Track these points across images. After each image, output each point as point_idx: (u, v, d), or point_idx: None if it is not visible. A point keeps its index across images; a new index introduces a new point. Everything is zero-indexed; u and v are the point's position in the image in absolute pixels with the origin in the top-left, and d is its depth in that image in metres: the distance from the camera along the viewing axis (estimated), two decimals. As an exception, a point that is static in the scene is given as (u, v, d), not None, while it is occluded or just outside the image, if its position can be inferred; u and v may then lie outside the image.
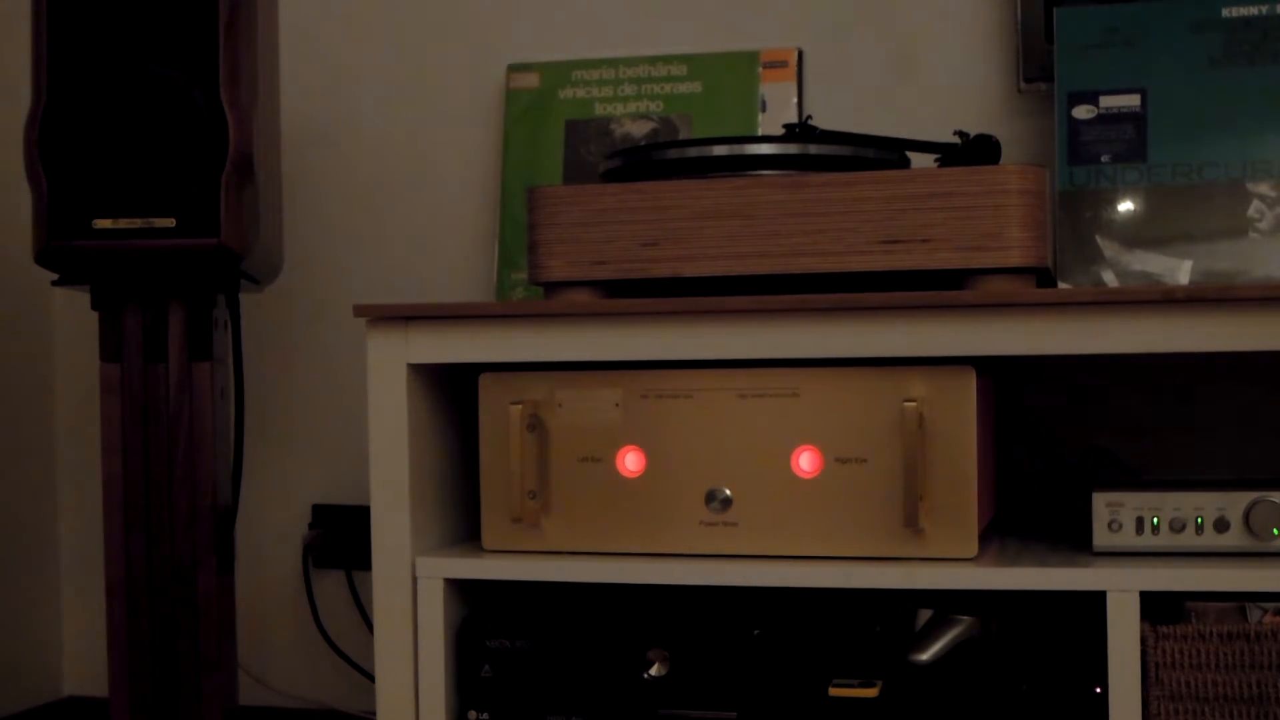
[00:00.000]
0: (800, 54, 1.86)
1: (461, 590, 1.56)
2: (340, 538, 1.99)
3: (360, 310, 1.53)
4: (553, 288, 1.54)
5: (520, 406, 1.51)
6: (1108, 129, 1.63)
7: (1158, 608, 1.42)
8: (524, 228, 1.80)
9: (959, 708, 1.45)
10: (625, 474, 1.51)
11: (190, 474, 1.65)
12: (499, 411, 1.54)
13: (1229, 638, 1.38)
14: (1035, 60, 1.78)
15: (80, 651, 2.11)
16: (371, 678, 1.63)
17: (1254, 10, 1.63)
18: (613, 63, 1.89)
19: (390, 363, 1.52)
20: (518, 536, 1.54)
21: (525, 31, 1.95)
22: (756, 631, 1.48)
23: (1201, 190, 1.60)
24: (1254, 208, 1.59)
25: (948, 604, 1.48)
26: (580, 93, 1.89)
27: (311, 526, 2.01)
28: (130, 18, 1.61)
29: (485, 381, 1.55)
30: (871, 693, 1.44)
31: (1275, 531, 1.43)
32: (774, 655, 1.48)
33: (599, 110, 1.89)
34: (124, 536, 1.66)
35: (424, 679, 1.53)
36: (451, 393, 1.62)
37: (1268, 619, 1.40)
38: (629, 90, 1.88)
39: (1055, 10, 1.68)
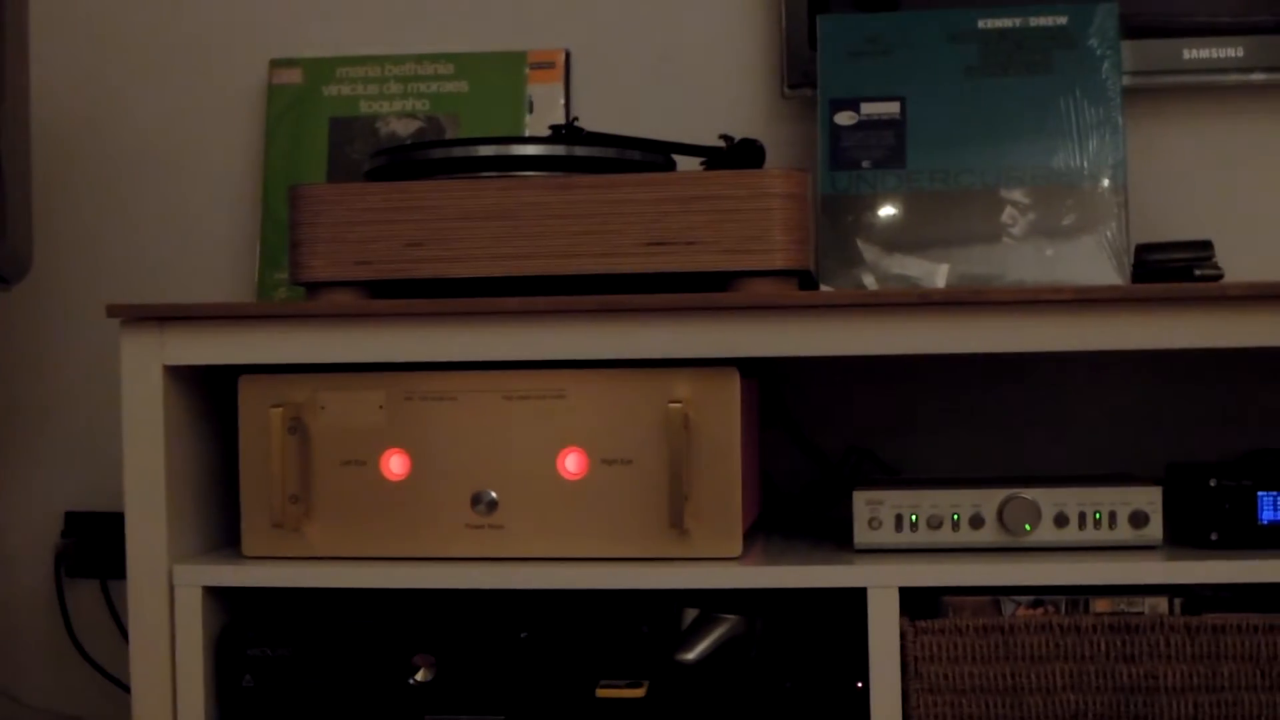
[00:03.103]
0: (568, 55, 1.86)
1: (221, 598, 1.52)
2: (94, 546, 1.92)
3: (113, 310, 1.48)
4: (315, 288, 1.51)
5: (281, 409, 1.48)
6: (868, 135, 1.67)
7: (916, 603, 1.45)
8: (286, 227, 1.76)
9: (725, 705, 1.46)
10: (389, 477, 1.49)
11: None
12: (259, 414, 1.50)
13: (984, 631, 1.42)
14: (799, 67, 1.80)
15: None
16: (128, 690, 1.58)
17: (1008, 22, 1.68)
18: (379, 60, 1.86)
19: (145, 365, 1.48)
20: (279, 542, 1.51)
21: (288, 26, 1.92)
22: (523, 634, 1.47)
23: (958, 197, 1.64)
24: (1007, 214, 1.63)
25: (714, 603, 1.49)
26: (345, 90, 1.86)
27: (64, 534, 1.94)
28: None
29: (245, 384, 1.51)
30: (638, 693, 1.44)
31: (1027, 527, 1.47)
32: (541, 657, 1.47)
33: (364, 108, 1.86)
34: None
35: (182, 690, 1.48)
36: (211, 395, 1.58)
37: (1021, 612, 1.44)
38: (395, 88, 1.86)
39: (818, 18, 1.71)
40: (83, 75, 1.95)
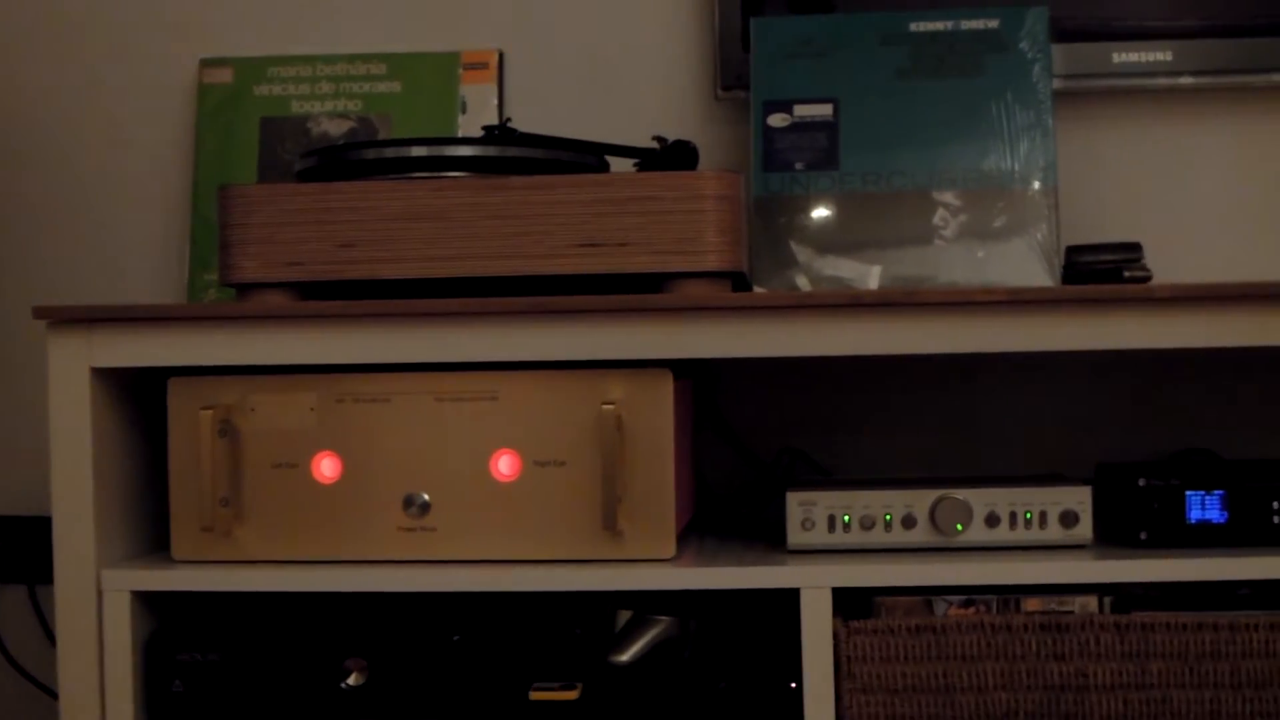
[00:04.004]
0: (501, 56, 1.85)
1: (151, 603, 1.51)
2: (21, 550, 1.90)
3: (40, 312, 1.46)
4: (245, 289, 1.50)
5: (211, 411, 1.47)
6: (801, 137, 1.67)
7: (849, 603, 1.45)
8: (216, 228, 1.74)
9: (659, 707, 1.46)
10: (321, 480, 1.48)
11: None
12: (189, 416, 1.49)
13: (916, 630, 1.43)
14: (732, 69, 1.81)
15: None
16: (56, 696, 1.56)
17: (940, 25, 1.69)
18: (310, 60, 1.85)
19: (72, 367, 1.46)
20: (209, 546, 1.49)
21: (219, 24, 1.90)
22: (456, 637, 1.47)
23: (890, 198, 1.65)
24: (939, 216, 1.64)
25: (647, 605, 1.49)
26: (276, 89, 1.85)
27: (-9, 539, 1.92)
28: None
29: (174, 386, 1.50)
30: (572, 695, 1.44)
31: (959, 527, 1.48)
32: (474, 660, 1.46)
33: (296, 108, 1.85)
34: None
35: (111, 696, 1.47)
36: (140, 398, 1.56)
37: (953, 611, 1.45)
38: (327, 88, 1.85)
39: (752, 20, 1.71)
40: (6, 72, 1.93)
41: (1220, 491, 1.48)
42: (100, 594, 1.47)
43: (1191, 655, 1.41)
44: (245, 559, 1.49)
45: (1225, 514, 1.48)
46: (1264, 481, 1.48)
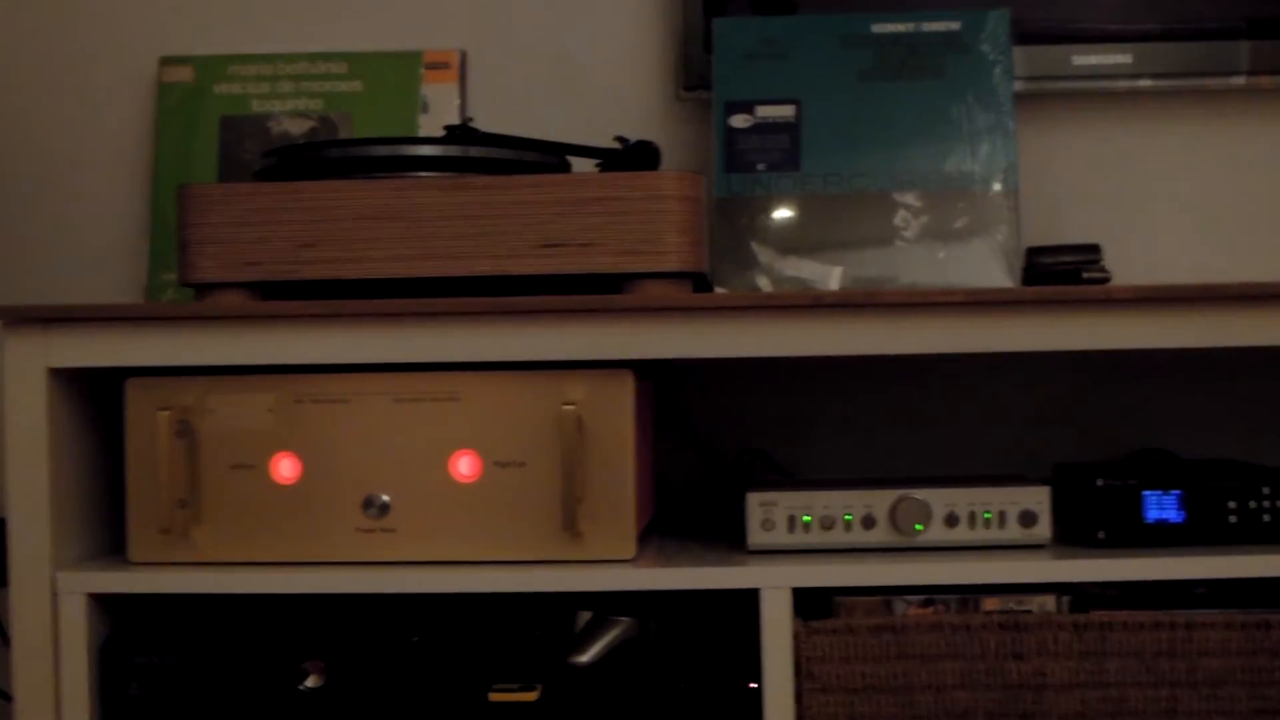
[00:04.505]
0: (463, 56, 1.85)
1: (107, 605, 1.50)
2: (-22, 552, 1.88)
3: (-4, 311, 1.45)
4: (204, 289, 1.49)
5: (168, 412, 1.46)
6: (763, 138, 1.67)
7: (809, 603, 1.45)
8: (175, 227, 1.74)
9: (619, 708, 1.46)
10: (279, 481, 1.48)
11: None
12: (146, 417, 1.48)
13: (876, 630, 1.43)
14: (695, 70, 1.81)
15: None
16: (10, 698, 1.55)
17: (902, 28, 1.69)
18: (271, 58, 1.84)
19: (29, 367, 1.45)
20: (167, 548, 1.49)
21: (178, 23, 1.89)
22: (415, 639, 1.46)
23: (851, 200, 1.65)
24: (900, 217, 1.65)
25: (608, 606, 1.49)
26: (236, 88, 1.84)
27: (-53, 541, 1.90)
28: None
29: (131, 386, 1.49)
30: (532, 696, 1.44)
31: (918, 527, 1.48)
32: (434, 662, 1.46)
33: (256, 107, 1.84)
34: None
35: (66, 699, 1.46)
36: (97, 398, 1.55)
37: (912, 611, 1.45)
38: (287, 87, 1.84)
39: (714, 21, 1.71)
40: (-34, 72, 1.92)
41: (1177, 491, 1.49)
42: (56, 596, 1.46)
43: (1149, 654, 1.41)
44: (203, 560, 1.49)
45: (1182, 513, 1.49)
46: (1220, 481, 1.49)
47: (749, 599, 1.43)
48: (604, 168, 1.62)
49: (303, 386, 1.48)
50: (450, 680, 1.46)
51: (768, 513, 1.49)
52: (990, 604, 1.44)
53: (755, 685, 1.45)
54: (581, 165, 1.68)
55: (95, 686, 1.47)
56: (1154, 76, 1.79)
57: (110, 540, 1.58)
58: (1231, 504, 1.48)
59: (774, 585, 1.42)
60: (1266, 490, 1.48)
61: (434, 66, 1.84)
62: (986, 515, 1.48)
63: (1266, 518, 1.48)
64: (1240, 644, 1.41)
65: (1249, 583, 1.45)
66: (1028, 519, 1.48)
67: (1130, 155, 1.84)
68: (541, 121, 1.85)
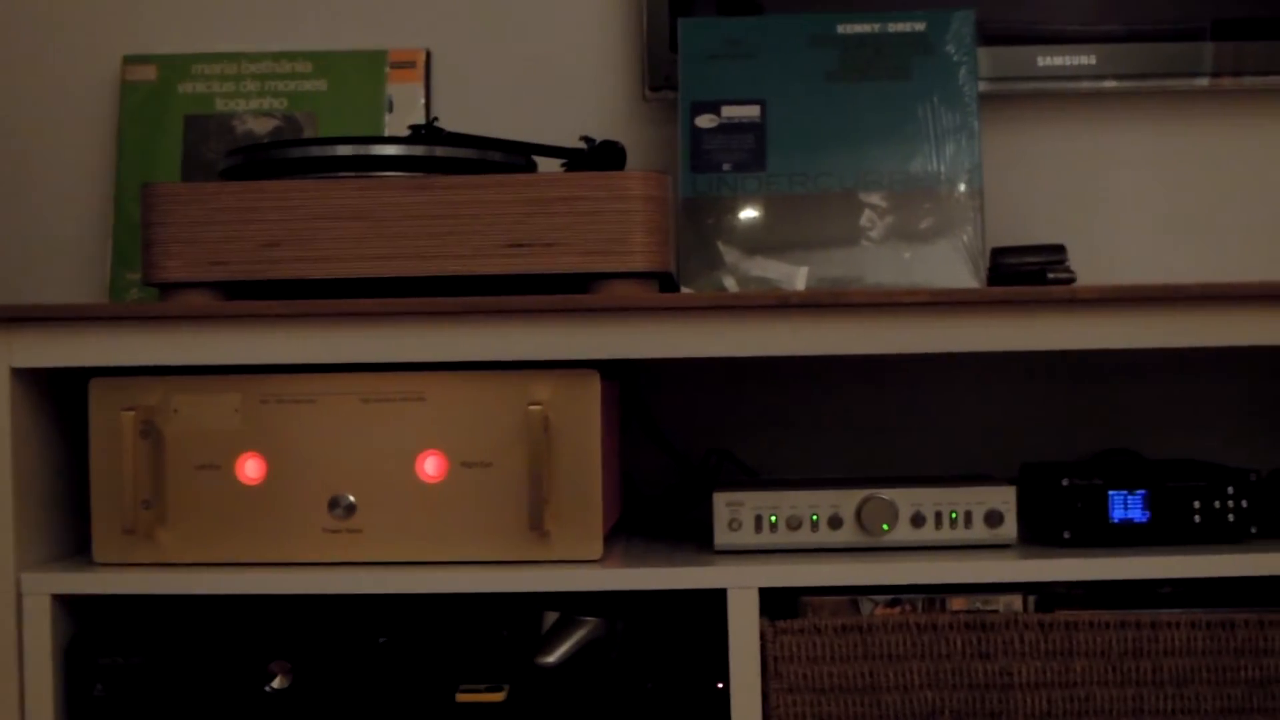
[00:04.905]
0: (429, 55, 1.84)
1: (71, 606, 1.49)
2: (-60, 554, 1.87)
3: (-42, 312, 1.44)
4: (168, 289, 1.49)
5: (133, 412, 1.45)
6: (729, 138, 1.67)
7: (776, 603, 1.45)
8: (139, 226, 1.73)
9: (586, 708, 1.46)
10: (245, 481, 1.47)
11: None
12: (110, 418, 1.47)
13: (843, 630, 1.43)
14: (661, 70, 1.81)
15: None
16: (-28, 701, 1.54)
17: (868, 28, 1.69)
18: (235, 57, 1.84)
19: (-9, 367, 1.45)
20: (131, 549, 1.48)
21: (142, 21, 1.88)
22: (382, 639, 1.46)
23: (817, 200, 1.66)
24: (866, 217, 1.65)
25: (575, 606, 1.49)
26: (200, 87, 1.83)
27: (-92, 542, 1.89)
28: None
29: (95, 386, 1.48)
30: (499, 697, 1.44)
31: (885, 527, 1.49)
32: (400, 663, 1.46)
33: (220, 106, 1.83)
34: None
35: (31, 700, 1.45)
36: (61, 399, 1.54)
37: (879, 611, 1.45)
38: (252, 86, 1.83)
39: (680, 21, 1.71)
40: (-73, 70, 1.90)
41: (1142, 491, 1.49)
42: (20, 597, 1.45)
43: (1114, 653, 1.42)
44: (168, 561, 1.48)
45: (1147, 513, 1.49)
46: (1185, 481, 1.49)
47: (716, 599, 1.44)
48: (570, 168, 1.62)
49: (268, 386, 1.47)
50: (417, 681, 1.45)
51: (734, 513, 1.49)
52: (956, 604, 1.45)
53: (722, 685, 1.45)
54: (547, 165, 1.68)
55: (60, 688, 1.47)
56: (1118, 77, 1.79)
57: (75, 541, 1.57)
58: (1196, 504, 1.49)
59: (741, 585, 1.42)
60: (1231, 490, 1.49)
61: (399, 66, 1.83)
62: (953, 515, 1.49)
63: (1231, 518, 1.49)
64: (1205, 643, 1.42)
65: (1213, 582, 1.46)
66: (994, 519, 1.49)
67: (1095, 156, 1.85)
68: (507, 121, 1.85)
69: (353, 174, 1.50)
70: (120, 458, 1.46)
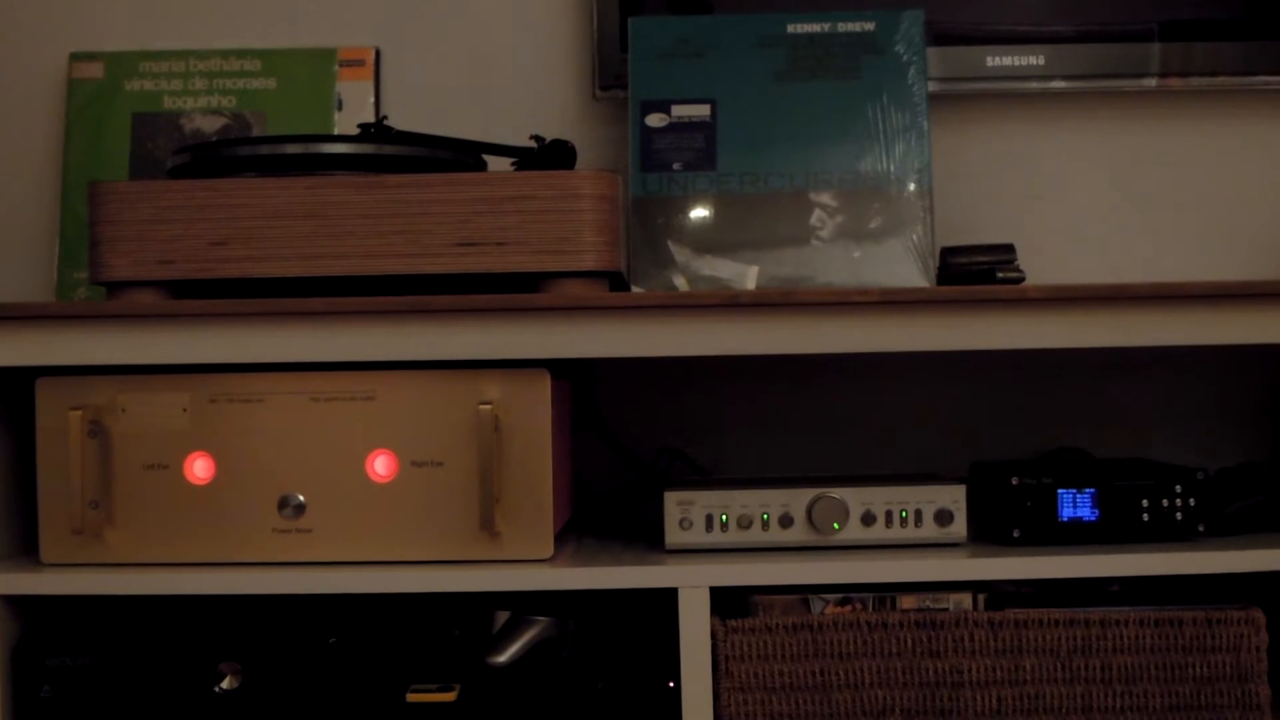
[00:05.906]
0: (378, 53, 1.84)
1: (18, 607, 1.47)
2: (-117, 555, 1.85)
3: (-99, 311, 1.43)
4: (116, 288, 1.47)
5: (80, 412, 1.44)
6: (679, 138, 1.67)
7: (727, 602, 1.46)
8: (86, 224, 1.71)
9: (537, 707, 1.45)
10: (194, 481, 1.46)
11: None
12: (57, 417, 1.46)
13: (794, 629, 1.44)
14: (611, 69, 1.81)
15: None
16: (-84, 704, 1.53)
17: (817, 28, 1.70)
18: (183, 55, 1.82)
19: (-64, 367, 1.43)
20: (79, 549, 1.47)
21: (90, 18, 1.87)
22: (332, 639, 1.45)
23: (767, 199, 1.66)
24: (816, 216, 1.65)
25: (525, 605, 1.48)
26: (148, 85, 1.82)
27: None
28: None
29: (42, 386, 1.47)
30: (450, 697, 1.43)
31: (835, 526, 1.49)
32: (351, 663, 1.45)
33: (168, 104, 1.82)
34: None
35: (-25, 703, 1.44)
36: (8, 398, 1.53)
37: (829, 610, 1.46)
38: (200, 84, 1.82)
39: (630, 20, 1.71)
40: None
41: (1091, 490, 1.50)
42: (-35, 599, 1.44)
43: (1063, 651, 1.43)
44: (116, 562, 1.47)
45: (1096, 512, 1.50)
46: (1134, 480, 1.50)
47: (667, 598, 1.44)
48: (520, 167, 1.62)
49: (217, 386, 1.46)
50: (368, 681, 1.45)
51: (685, 512, 1.50)
52: (907, 602, 1.45)
53: (673, 684, 1.45)
54: (498, 164, 1.68)
55: (7, 689, 1.45)
56: (1067, 78, 1.80)
57: (21, 541, 1.56)
58: (1145, 502, 1.50)
59: (692, 584, 1.42)
60: (1179, 489, 1.50)
61: (349, 64, 1.83)
62: (903, 514, 1.49)
63: (1179, 516, 1.50)
64: (1153, 641, 1.43)
65: (1162, 580, 1.47)
66: (944, 517, 1.49)
67: (1043, 155, 1.86)
68: (457, 120, 1.84)
69: (302, 173, 1.49)
70: (68, 457, 1.44)
